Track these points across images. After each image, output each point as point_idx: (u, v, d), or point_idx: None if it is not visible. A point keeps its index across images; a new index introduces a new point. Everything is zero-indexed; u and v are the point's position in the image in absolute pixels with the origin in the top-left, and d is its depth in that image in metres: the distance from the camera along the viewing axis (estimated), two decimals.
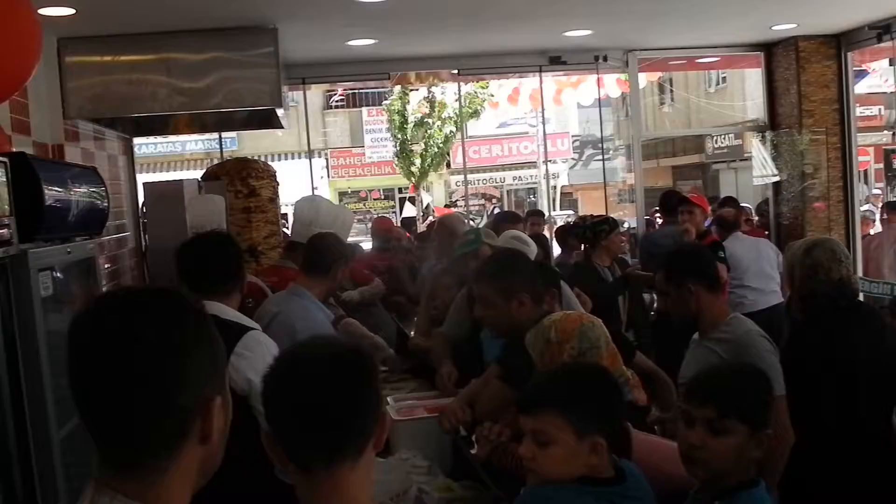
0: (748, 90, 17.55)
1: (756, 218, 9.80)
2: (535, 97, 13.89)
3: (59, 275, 3.01)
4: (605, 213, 7.68)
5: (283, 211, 6.84)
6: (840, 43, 8.63)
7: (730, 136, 21.86)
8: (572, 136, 27.52)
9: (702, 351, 3.75)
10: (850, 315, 3.87)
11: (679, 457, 2.60)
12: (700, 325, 3.87)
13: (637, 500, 2.40)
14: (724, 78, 22.41)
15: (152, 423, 1.34)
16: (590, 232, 6.82)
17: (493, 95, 19.43)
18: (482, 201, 28.53)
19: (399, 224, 13.03)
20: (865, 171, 22.59)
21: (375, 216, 18.81)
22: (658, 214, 9.29)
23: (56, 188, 3.00)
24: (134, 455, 1.34)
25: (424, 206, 25.41)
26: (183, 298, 1.43)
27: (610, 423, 2.41)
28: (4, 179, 2.61)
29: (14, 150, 3.54)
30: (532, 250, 5.04)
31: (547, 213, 11.03)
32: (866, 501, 3.44)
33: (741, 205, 9.07)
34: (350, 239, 8.51)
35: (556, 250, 8.73)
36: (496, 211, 24.36)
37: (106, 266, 5.77)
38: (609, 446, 2.39)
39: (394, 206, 28.52)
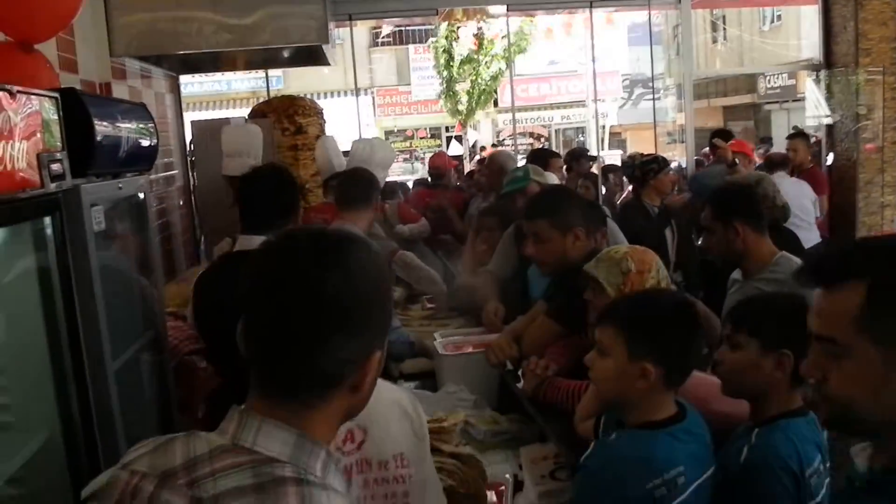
0: (803, 29, 17.14)
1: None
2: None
3: (110, 211, 3.04)
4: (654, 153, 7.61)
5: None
6: None
7: (783, 75, 21.40)
8: (622, 74, 27.14)
9: (747, 290, 3.70)
10: (784, 233, 4.90)
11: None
12: (744, 265, 3.83)
13: (698, 436, 2.42)
14: (778, 16, 21.87)
15: (320, 367, 1.42)
16: (639, 171, 6.76)
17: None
18: (530, 140, 28.33)
19: None
20: None
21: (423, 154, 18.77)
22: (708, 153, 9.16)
23: (106, 124, 3.01)
24: (292, 391, 1.42)
25: (471, 144, 25.29)
26: (378, 250, 1.48)
27: (667, 354, 2.41)
28: (56, 115, 2.64)
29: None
30: None
31: (595, 153, 10.95)
32: None
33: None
34: (395, 178, 8.54)
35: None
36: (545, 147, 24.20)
37: (155, 204, 5.83)
38: (665, 378, 2.40)
39: (440, 145, 28.40)
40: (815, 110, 9.22)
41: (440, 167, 9.20)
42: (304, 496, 1.34)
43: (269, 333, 1.42)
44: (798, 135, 8.67)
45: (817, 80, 9.04)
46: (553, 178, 5.39)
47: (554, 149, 24.14)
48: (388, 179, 6.78)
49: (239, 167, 5.53)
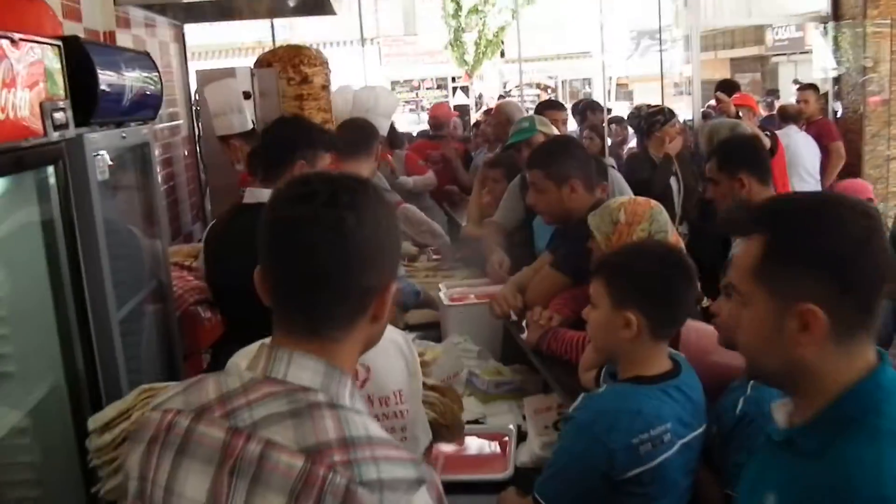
0: None
1: None
2: None
3: (112, 161, 3.04)
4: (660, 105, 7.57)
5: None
6: None
7: (791, 27, 21.18)
8: (629, 26, 26.87)
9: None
10: None
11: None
12: None
13: (689, 395, 2.42)
14: None
15: (342, 299, 1.50)
16: (644, 122, 6.75)
17: None
18: (537, 92, 28.15)
19: None
20: None
21: (429, 105, 18.65)
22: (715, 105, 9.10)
23: (110, 72, 3.00)
24: (317, 325, 1.50)
25: (477, 95, 25.14)
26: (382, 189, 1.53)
27: (649, 303, 2.40)
28: (59, 64, 2.62)
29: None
30: None
31: (602, 105, 10.88)
32: None
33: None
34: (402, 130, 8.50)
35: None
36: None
37: (159, 153, 5.81)
38: (651, 329, 2.40)
39: (446, 96, 28.23)
40: (821, 62, 9.14)
41: (439, 118, 9.14)
42: (340, 419, 1.42)
43: (297, 273, 1.48)
44: (809, 86, 8.60)
45: (825, 33, 8.95)
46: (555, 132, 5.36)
47: (560, 100, 23.99)
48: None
49: (226, 126, 5.53)
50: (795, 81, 9.73)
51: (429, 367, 2.98)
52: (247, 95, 6.20)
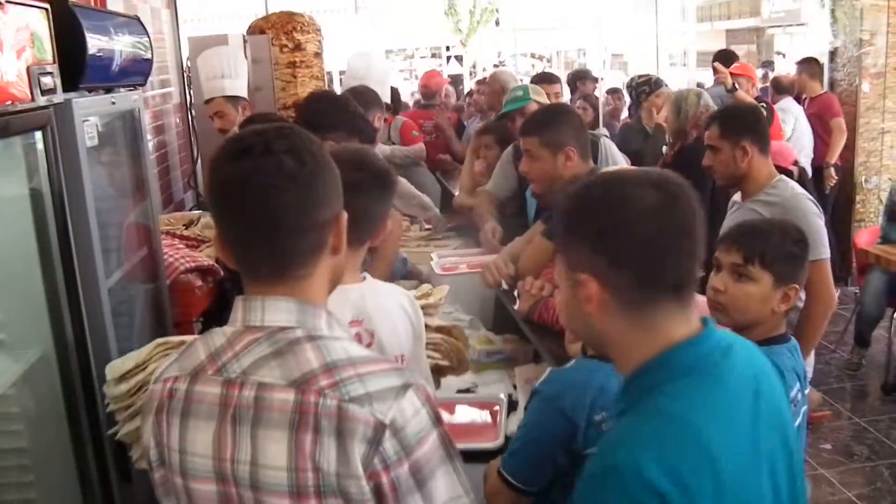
0: None
1: None
2: None
3: (102, 127, 3.01)
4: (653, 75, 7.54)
5: (327, 69, 6.74)
6: None
7: None
8: None
9: (744, 212, 3.67)
10: None
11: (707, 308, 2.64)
12: (744, 187, 3.77)
13: None
14: None
15: (301, 237, 1.57)
16: (633, 92, 6.76)
17: None
18: (532, 61, 28.03)
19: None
20: None
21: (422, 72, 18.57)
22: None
23: (99, 36, 2.96)
24: (283, 267, 1.57)
25: (472, 63, 25.03)
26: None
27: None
28: (47, 28, 2.59)
29: None
30: None
31: (597, 75, 10.83)
32: None
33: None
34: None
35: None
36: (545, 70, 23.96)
37: (150, 120, 5.78)
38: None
39: (441, 64, 28.13)
40: (817, 36, 9.08)
41: (430, 87, 9.08)
42: (320, 347, 1.52)
43: (254, 222, 1.54)
44: (807, 60, 8.51)
45: (822, 4, 8.89)
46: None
47: (555, 70, 23.89)
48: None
49: (218, 89, 5.49)
50: (778, 53, 9.60)
51: (434, 308, 3.00)
52: None
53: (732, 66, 7.57)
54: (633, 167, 2.64)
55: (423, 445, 1.48)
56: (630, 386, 1.58)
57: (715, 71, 7.42)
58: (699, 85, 9.26)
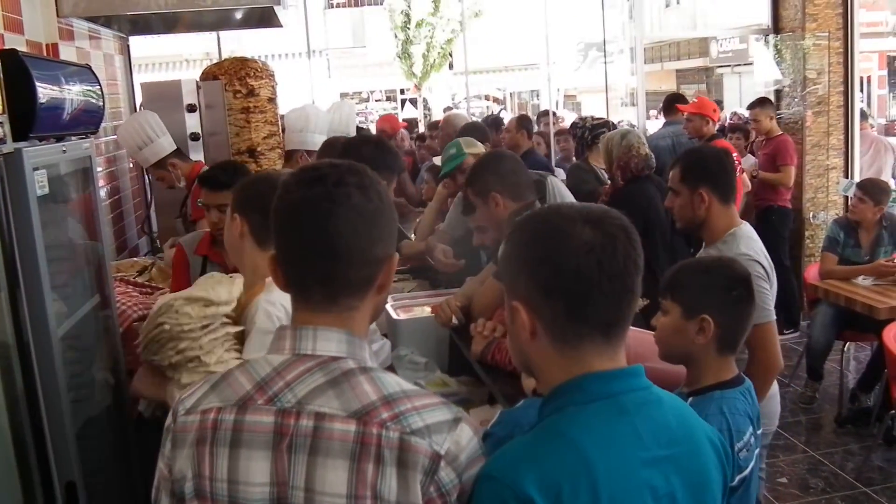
0: None
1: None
2: None
3: (53, 176, 3.00)
4: (605, 117, 7.64)
5: (281, 113, 6.75)
6: None
7: (734, 39, 21.56)
8: (576, 38, 27.09)
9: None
10: (651, 179, 5.63)
11: None
12: (704, 233, 3.64)
13: None
14: None
15: (356, 269, 1.64)
16: (589, 134, 6.83)
17: None
18: (486, 103, 28.26)
19: None
20: (870, 78, 22.42)
21: (377, 116, 18.66)
22: (659, 116, 9.20)
23: (49, 86, 2.96)
24: (335, 295, 1.64)
25: (425, 107, 25.20)
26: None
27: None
28: None
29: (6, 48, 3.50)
30: None
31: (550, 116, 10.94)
32: None
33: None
34: None
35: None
36: (502, 113, 24.13)
37: (103, 167, 5.76)
38: None
39: (395, 108, 28.28)
40: (763, 75, 9.27)
41: (386, 130, 9.14)
42: (375, 380, 1.59)
43: (316, 247, 1.62)
44: (759, 102, 8.58)
45: (766, 45, 9.10)
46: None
47: (509, 111, 24.05)
48: None
49: (155, 153, 5.54)
50: (719, 101, 9.74)
51: None
52: (191, 108, 6.18)
53: (690, 104, 7.71)
54: (578, 203, 2.66)
55: (471, 470, 1.55)
56: (543, 406, 1.64)
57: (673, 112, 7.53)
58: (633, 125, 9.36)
